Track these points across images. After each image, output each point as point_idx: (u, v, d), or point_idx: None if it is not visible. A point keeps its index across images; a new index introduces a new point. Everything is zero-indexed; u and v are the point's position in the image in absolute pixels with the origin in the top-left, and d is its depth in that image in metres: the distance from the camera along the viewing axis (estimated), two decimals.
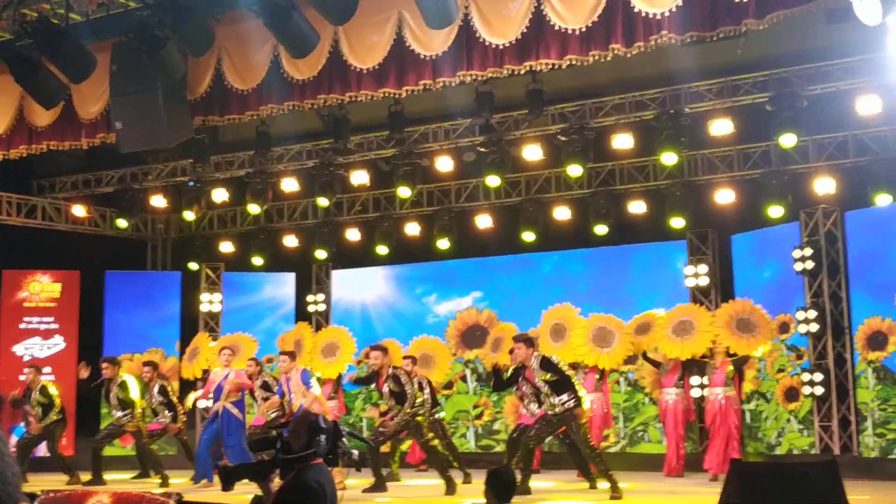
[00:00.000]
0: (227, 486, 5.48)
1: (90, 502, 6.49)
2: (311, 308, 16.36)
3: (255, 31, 9.22)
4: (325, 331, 14.56)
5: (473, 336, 14.83)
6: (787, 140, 11.55)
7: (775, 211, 12.62)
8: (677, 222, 13.33)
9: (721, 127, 12.21)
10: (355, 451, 4.78)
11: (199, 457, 12.16)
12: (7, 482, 1.67)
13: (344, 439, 4.58)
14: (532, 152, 13.19)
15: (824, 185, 12.63)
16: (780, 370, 13.12)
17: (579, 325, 12.43)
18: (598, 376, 12.42)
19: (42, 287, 15.88)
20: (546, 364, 10.12)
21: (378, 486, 10.80)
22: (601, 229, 13.74)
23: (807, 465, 7.38)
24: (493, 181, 13.36)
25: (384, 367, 10.91)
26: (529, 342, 10.40)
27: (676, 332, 12.02)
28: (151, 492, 7.54)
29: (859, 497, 9.03)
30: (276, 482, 4.93)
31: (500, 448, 14.57)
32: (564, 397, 9.94)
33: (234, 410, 12.06)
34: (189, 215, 15.43)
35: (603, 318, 12.56)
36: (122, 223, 15.73)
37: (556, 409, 9.96)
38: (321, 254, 15.69)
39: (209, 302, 16.35)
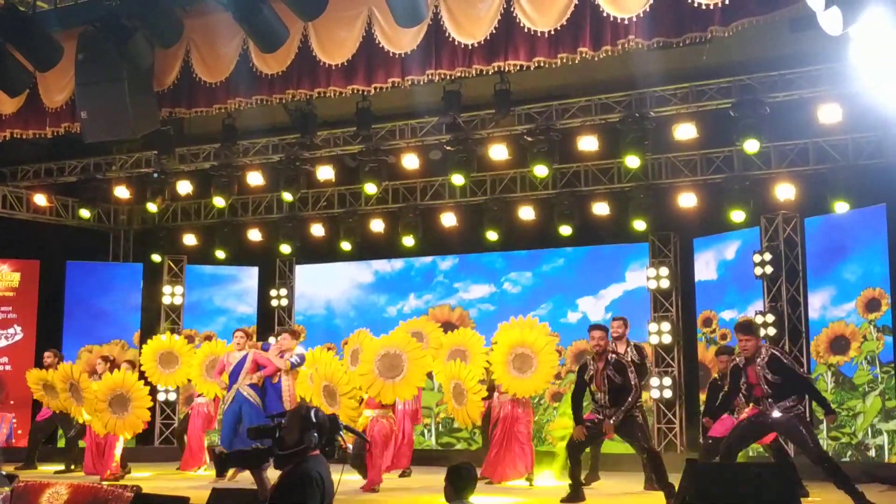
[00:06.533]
0: (221, 472, 5.46)
1: (47, 493, 6.48)
2: (273, 302, 16.35)
3: (224, 24, 9.20)
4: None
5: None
6: (751, 146, 11.70)
7: (737, 215, 12.78)
8: (639, 224, 13.47)
9: (685, 131, 12.32)
10: (350, 447, 4.80)
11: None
12: None
13: (341, 432, 4.57)
14: (498, 152, 13.24)
15: (785, 191, 12.82)
16: None
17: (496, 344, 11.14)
18: None
19: (1, 276, 15.72)
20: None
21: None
22: (565, 230, 13.83)
23: (761, 467, 7.49)
24: (458, 179, 13.39)
25: None
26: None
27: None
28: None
29: (812, 499, 9.19)
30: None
31: (460, 446, 14.63)
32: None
33: (252, 394, 10.96)
34: (152, 207, 15.29)
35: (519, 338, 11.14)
36: (84, 213, 15.60)
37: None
38: (285, 248, 15.70)
39: (171, 294, 16.24)
